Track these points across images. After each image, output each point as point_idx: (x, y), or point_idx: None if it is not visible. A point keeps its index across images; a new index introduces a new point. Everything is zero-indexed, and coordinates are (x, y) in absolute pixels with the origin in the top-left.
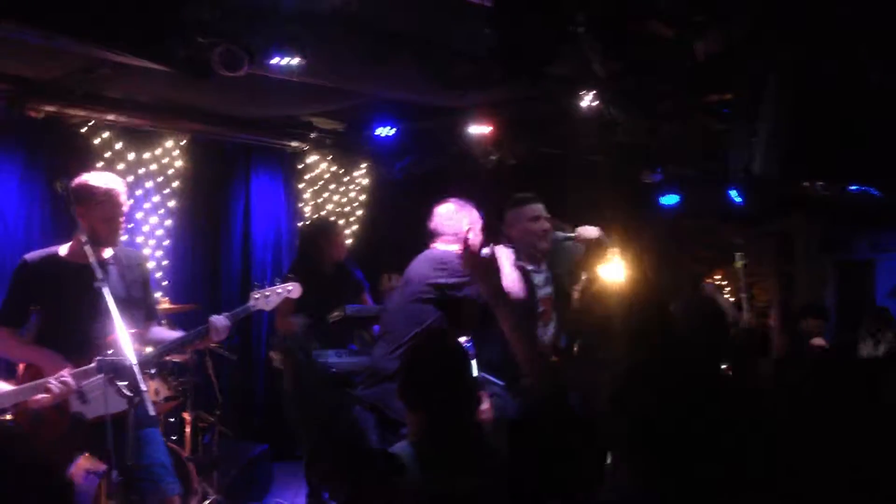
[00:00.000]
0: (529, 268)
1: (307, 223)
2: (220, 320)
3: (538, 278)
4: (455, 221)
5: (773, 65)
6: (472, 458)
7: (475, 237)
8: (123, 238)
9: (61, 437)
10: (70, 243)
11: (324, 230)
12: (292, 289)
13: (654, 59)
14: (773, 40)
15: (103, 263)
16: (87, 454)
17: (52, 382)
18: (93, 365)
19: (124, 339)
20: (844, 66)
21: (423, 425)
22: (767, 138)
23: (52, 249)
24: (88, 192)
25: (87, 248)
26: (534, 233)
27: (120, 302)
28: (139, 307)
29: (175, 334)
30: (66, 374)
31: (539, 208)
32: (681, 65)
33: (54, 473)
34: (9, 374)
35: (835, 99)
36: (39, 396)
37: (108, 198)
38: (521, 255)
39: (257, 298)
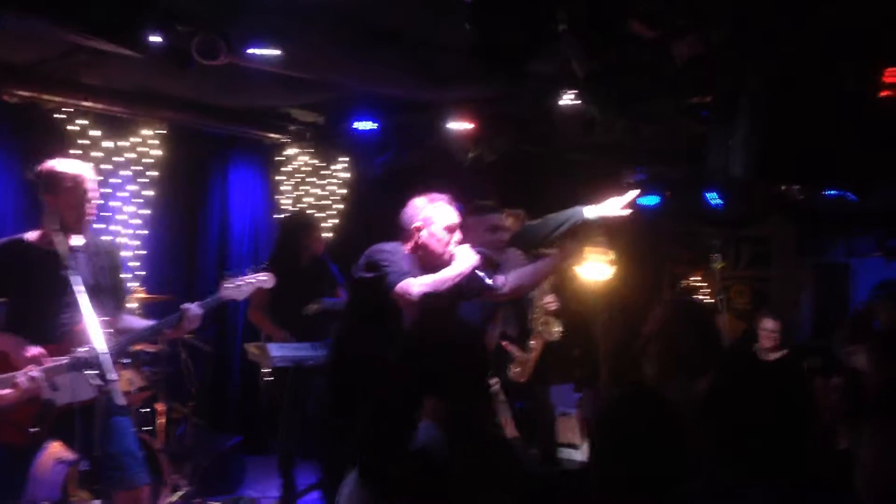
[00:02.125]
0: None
1: (287, 215)
2: (193, 308)
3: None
4: (408, 216)
5: (751, 68)
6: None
7: (431, 235)
8: (100, 227)
9: (30, 422)
10: (38, 230)
11: (303, 224)
12: (265, 279)
13: (634, 59)
14: (752, 43)
15: (72, 251)
16: (56, 442)
17: (20, 378)
18: (65, 361)
19: (94, 328)
20: (822, 69)
21: (442, 408)
22: (745, 141)
23: (18, 236)
24: (55, 177)
25: (56, 236)
26: (490, 243)
27: (89, 290)
28: (109, 295)
29: (146, 323)
30: (36, 370)
31: (498, 218)
32: (661, 66)
33: None
34: None
35: (812, 103)
36: (5, 392)
37: (74, 184)
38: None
39: (229, 288)
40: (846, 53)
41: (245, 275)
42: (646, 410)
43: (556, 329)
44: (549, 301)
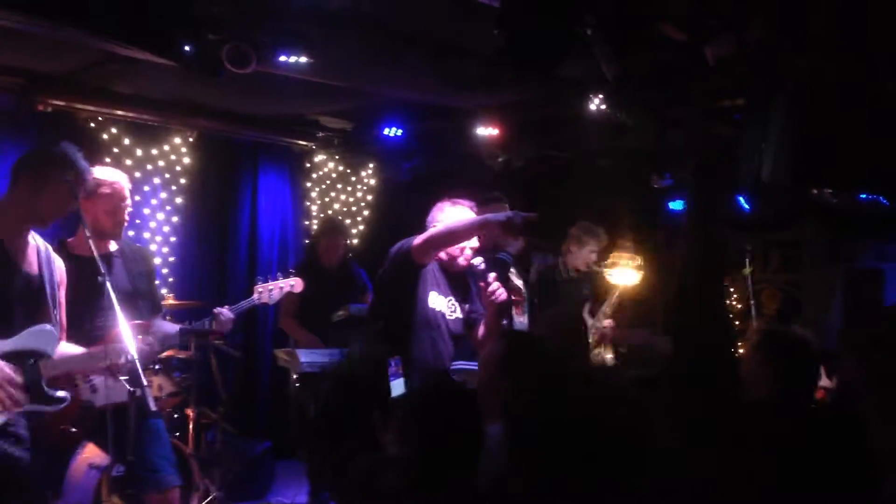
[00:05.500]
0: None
1: (318, 222)
2: (225, 312)
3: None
4: (433, 218)
5: (785, 70)
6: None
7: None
8: (130, 234)
9: (69, 423)
10: (75, 235)
11: (323, 230)
12: (294, 283)
13: (664, 62)
14: (786, 46)
15: (107, 256)
16: (91, 445)
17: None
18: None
19: (126, 333)
20: (858, 73)
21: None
22: (777, 145)
23: (56, 242)
24: (92, 184)
25: (92, 241)
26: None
27: (124, 295)
28: (144, 300)
29: (178, 328)
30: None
31: (503, 209)
32: (692, 69)
33: None
34: None
35: (847, 105)
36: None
37: (112, 190)
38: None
39: (261, 292)
40: (883, 54)
41: (276, 279)
42: None
43: (610, 357)
44: (607, 325)
